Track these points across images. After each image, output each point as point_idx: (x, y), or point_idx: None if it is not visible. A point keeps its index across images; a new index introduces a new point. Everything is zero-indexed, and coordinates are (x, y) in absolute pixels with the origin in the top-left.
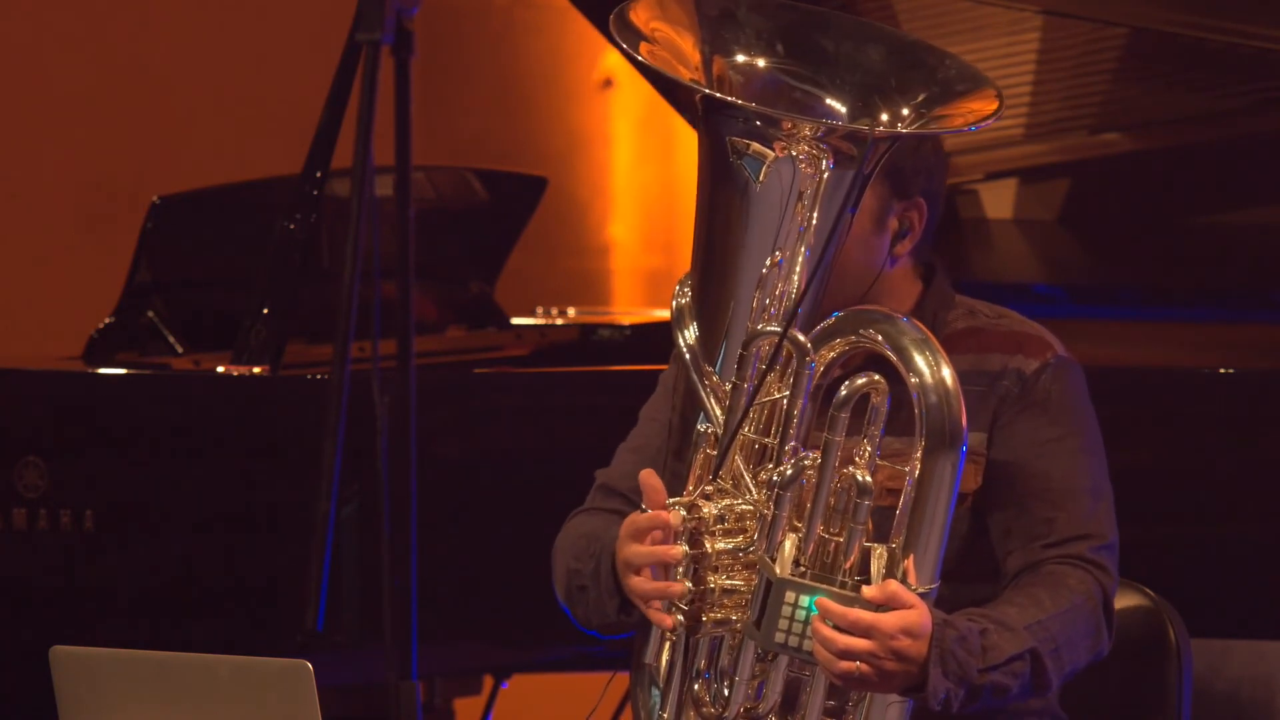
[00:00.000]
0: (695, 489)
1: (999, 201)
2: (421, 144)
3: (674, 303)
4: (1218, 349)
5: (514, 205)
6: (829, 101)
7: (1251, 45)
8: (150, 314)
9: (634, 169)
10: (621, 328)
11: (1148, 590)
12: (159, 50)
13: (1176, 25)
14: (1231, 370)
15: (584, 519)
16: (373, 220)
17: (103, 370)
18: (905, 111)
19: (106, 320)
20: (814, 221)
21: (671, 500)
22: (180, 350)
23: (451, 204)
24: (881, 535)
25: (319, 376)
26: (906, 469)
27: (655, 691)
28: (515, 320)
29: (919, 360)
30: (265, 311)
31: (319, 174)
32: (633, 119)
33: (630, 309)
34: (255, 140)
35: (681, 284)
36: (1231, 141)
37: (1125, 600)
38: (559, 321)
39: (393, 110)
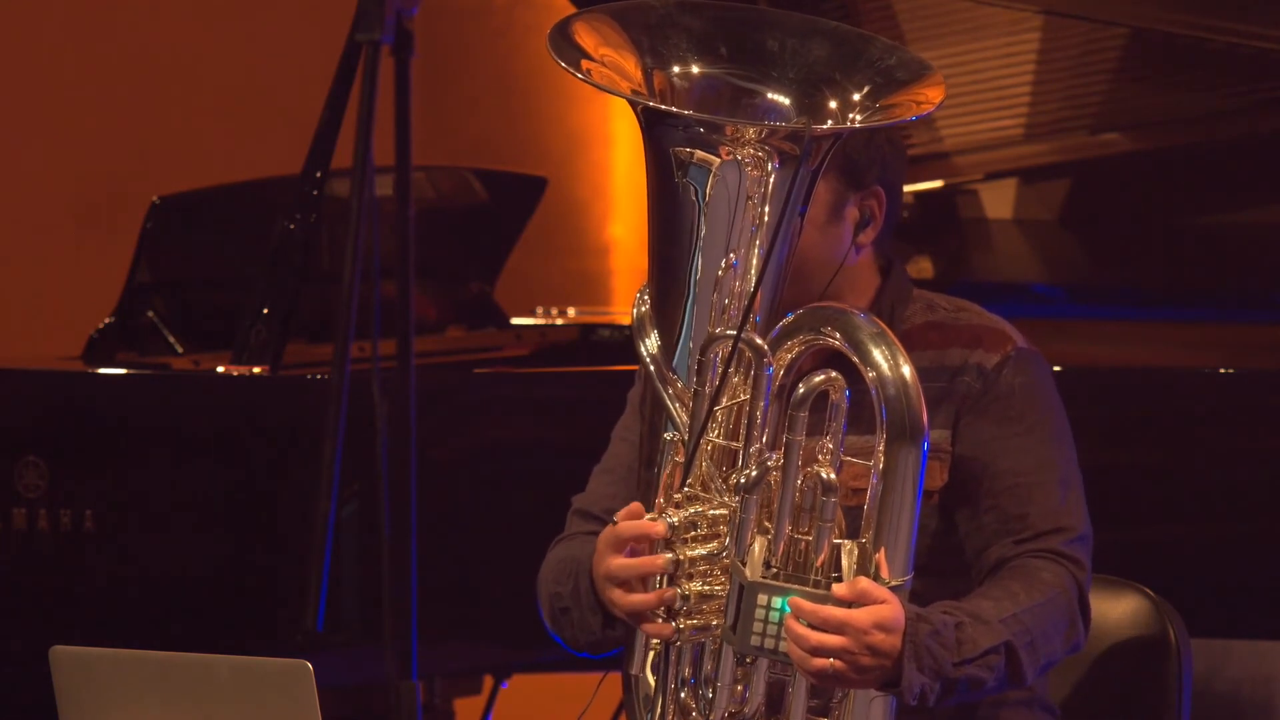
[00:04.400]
0: (665, 498)
1: (999, 201)
2: (421, 144)
3: (634, 312)
4: (1218, 349)
5: (514, 205)
6: (775, 99)
7: (1251, 45)
8: (150, 314)
9: (634, 169)
10: (621, 328)
11: (1148, 590)
12: (159, 50)
13: (1176, 25)
14: (1231, 370)
15: (563, 546)
16: (373, 220)
17: (103, 370)
18: (852, 101)
19: (106, 320)
20: (765, 221)
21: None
22: (180, 350)
23: (451, 204)
24: (852, 536)
25: (319, 376)
26: (870, 464)
27: (644, 702)
28: (515, 320)
29: (876, 354)
30: (265, 311)
31: (319, 174)
32: (633, 119)
33: (630, 309)
34: (255, 140)
35: (640, 294)
36: (1231, 141)
37: (1125, 600)
38: (559, 321)
39: (393, 110)
